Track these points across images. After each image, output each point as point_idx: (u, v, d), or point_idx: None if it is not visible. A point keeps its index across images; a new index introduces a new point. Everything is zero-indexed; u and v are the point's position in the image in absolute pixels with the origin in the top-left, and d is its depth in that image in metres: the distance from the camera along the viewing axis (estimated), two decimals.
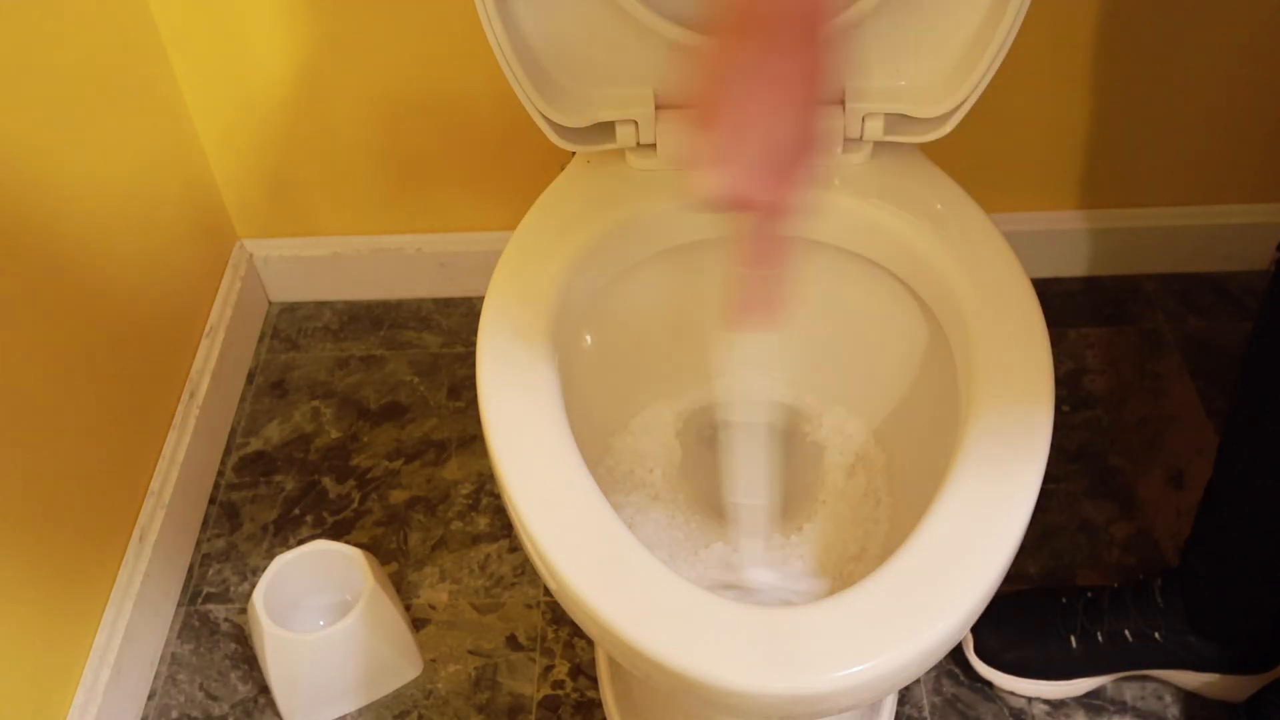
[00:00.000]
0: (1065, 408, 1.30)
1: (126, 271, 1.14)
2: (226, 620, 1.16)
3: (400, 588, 1.17)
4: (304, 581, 1.07)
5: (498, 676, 1.11)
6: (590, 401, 0.92)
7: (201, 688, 1.11)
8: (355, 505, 1.25)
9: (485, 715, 1.08)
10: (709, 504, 0.96)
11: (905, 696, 1.08)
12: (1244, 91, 1.27)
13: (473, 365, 1.18)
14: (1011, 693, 1.07)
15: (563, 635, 1.13)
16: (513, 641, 1.13)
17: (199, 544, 1.22)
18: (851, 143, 0.93)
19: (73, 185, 1.05)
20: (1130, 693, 1.07)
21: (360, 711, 1.09)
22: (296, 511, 1.25)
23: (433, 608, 1.16)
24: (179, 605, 1.17)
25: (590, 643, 1.12)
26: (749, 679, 0.64)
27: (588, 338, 0.95)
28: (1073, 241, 1.41)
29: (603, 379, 0.97)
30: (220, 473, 1.29)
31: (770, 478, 0.85)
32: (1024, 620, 1.06)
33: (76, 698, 1.00)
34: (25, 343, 0.97)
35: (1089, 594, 1.05)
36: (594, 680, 1.10)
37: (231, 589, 1.18)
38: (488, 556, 1.20)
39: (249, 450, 1.31)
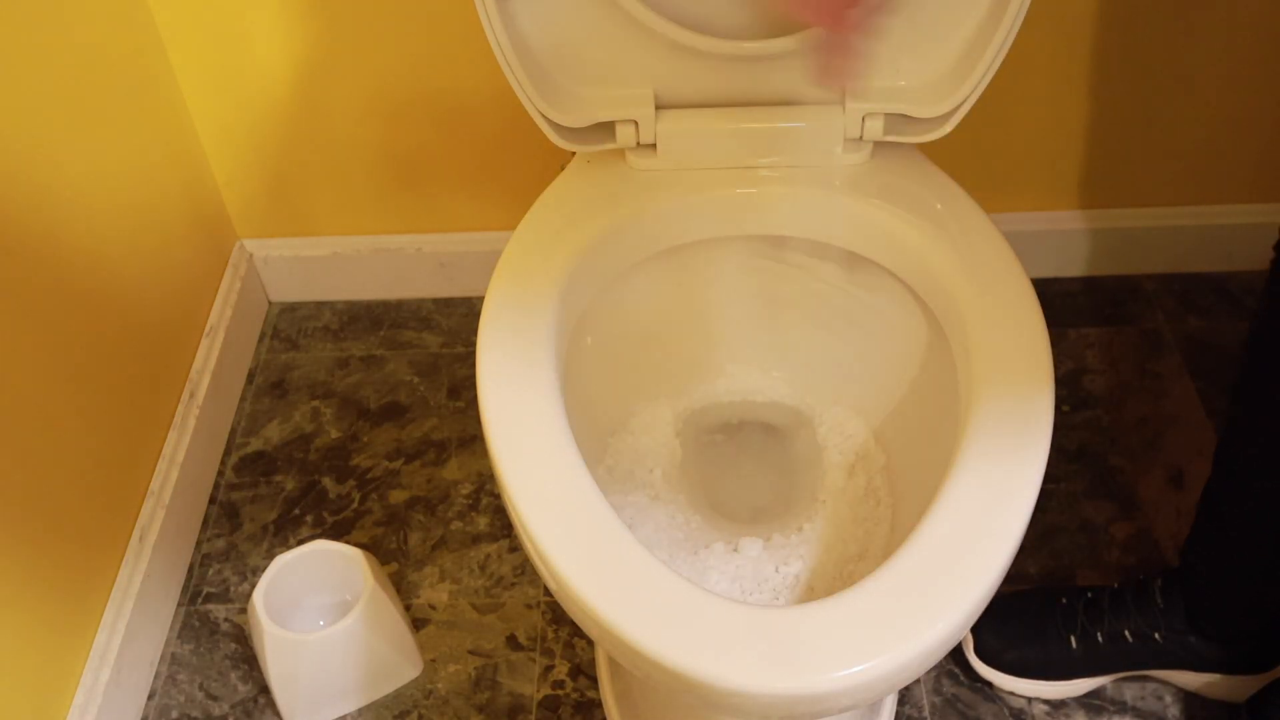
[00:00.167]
0: (1065, 408, 1.30)
1: (126, 272, 1.14)
2: (226, 620, 1.16)
3: (400, 588, 1.17)
4: (304, 581, 1.07)
5: (498, 676, 1.11)
6: (590, 401, 0.92)
7: (201, 688, 1.11)
8: (355, 505, 1.25)
9: (485, 715, 1.08)
10: (709, 504, 0.96)
11: (905, 696, 1.08)
12: (1243, 91, 1.27)
13: (473, 365, 1.18)
14: (1011, 693, 1.07)
15: (563, 635, 1.13)
16: (513, 641, 1.13)
17: (199, 544, 1.22)
18: (851, 143, 0.93)
19: (72, 185, 1.05)
20: (1130, 693, 1.07)
21: (360, 711, 1.09)
22: (296, 511, 1.25)
23: (433, 608, 1.16)
24: (179, 605, 1.17)
25: (590, 643, 1.12)
26: (749, 679, 0.64)
27: (588, 338, 0.95)
28: (1073, 241, 1.41)
29: (603, 379, 0.97)
30: (220, 473, 1.29)
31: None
32: (1024, 620, 1.06)
33: (76, 697, 1.00)
34: (25, 343, 0.97)
35: (1089, 594, 1.05)
36: (594, 680, 1.10)
37: (231, 589, 1.18)
38: (488, 556, 1.20)
39: (249, 450, 1.31)
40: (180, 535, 1.19)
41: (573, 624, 1.00)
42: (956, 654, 1.09)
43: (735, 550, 0.92)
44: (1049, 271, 1.43)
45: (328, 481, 1.27)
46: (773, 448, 1.02)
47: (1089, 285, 1.43)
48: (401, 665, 1.09)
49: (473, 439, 1.30)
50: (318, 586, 1.08)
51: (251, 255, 1.42)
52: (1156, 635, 1.01)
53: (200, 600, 1.18)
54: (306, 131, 1.29)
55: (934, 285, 0.88)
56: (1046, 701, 1.07)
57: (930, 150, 0.95)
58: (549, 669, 1.11)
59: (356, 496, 1.26)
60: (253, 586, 1.13)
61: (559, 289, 0.86)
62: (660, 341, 1.02)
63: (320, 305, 1.46)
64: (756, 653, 0.65)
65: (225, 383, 1.33)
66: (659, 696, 0.94)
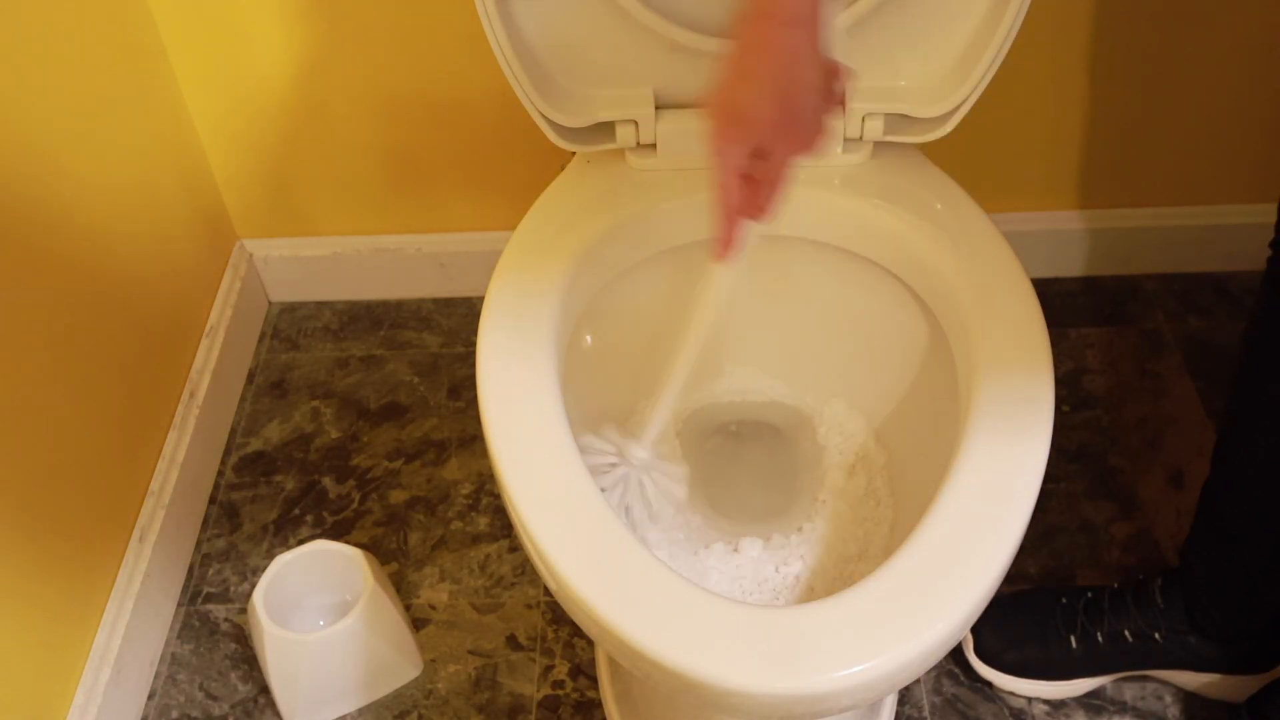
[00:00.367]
0: (1065, 408, 1.30)
1: (126, 271, 1.14)
2: (226, 620, 1.16)
3: (400, 588, 1.17)
4: (304, 581, 1.07)
5: (498, 676, 1.11)
6: (590, 401, 0.92)
7: (201, 688, 1.11)
8: (355, 505, 1.25)
9: (485, 715, 1.08)
10: (709, 504, 0.96)
11: (905, 696, 1.08)
12: (1243, 92, 1.27)
13: (473, 365, 1.18)
14: (1011, 693, 1.07)
15: (563, 635, 1.13)
16: (513, 641, 1.13)
17: (199, 544, 1.22)
18: (851, 143, 0.93)
19: (72, 185, 1.05)
20: (1130, 693, 1.07)
21: (360, 711, 1.09)
22: (296, 511, 1.25)
23: (433, 608, 1.16)
24: (179, 605, 1.17)
25: (590, 643, 1.12)
26: (749, 679, 0.64)
27: (588, 338, 0.95)
28: (1073, 241, 1.41)
29: (603, 379, 0.97)
30: (220, 473, 1.29)
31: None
32: (1024, 620, 1.06)
33: (76, 697, 1.00)
34: (25, 342, 0.97)
35: (1089, 594, 1.05)
36: (594, 680, 1.10)
37: (231, 589, 1.18)
38: (488, 556, 1.20)
39: (249, 450, 1.31)
40: (180, 535, 1.19)
41: (573, 624, 1.00)
42: (956, 654, 1.09)
43: (735, 550, 0.92)
44: (1049, 271, 1.43)
45: (328, 481, 1.27)
46: (773, 448, 1.02)
47: (1089, 285, 1.43)
48: (401, 665, 1.09)
49: (473, 439, 1.30)
50: (318, 586, 1.08)
51: (251, 255, 1.42)
52: (1156, 635, 1.02)
53: (200, 600, 1.18)
54: (306, 131, 1.29)
55: (934, 285, 0.88)
56: (1046, 701, 1.07)
57: (930, 150, 0.95)
58: (549, 669, 1.11)
59: (356, 496, 1.26)
60: (253, 586, 1.13)
61: (559, 289, 0.86)
62: (660, 341, 1.02)
63: (320, 305, 1.46)
64: (756, 653, 0.65)
65: (225, 383, 1.33)
66: (659, 696, 0.94)
